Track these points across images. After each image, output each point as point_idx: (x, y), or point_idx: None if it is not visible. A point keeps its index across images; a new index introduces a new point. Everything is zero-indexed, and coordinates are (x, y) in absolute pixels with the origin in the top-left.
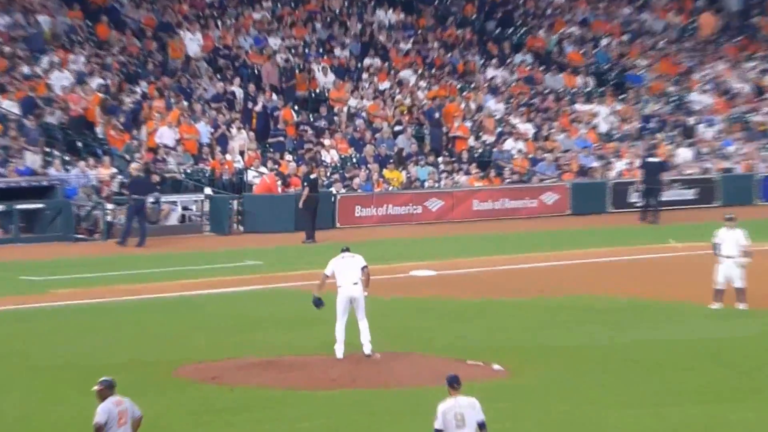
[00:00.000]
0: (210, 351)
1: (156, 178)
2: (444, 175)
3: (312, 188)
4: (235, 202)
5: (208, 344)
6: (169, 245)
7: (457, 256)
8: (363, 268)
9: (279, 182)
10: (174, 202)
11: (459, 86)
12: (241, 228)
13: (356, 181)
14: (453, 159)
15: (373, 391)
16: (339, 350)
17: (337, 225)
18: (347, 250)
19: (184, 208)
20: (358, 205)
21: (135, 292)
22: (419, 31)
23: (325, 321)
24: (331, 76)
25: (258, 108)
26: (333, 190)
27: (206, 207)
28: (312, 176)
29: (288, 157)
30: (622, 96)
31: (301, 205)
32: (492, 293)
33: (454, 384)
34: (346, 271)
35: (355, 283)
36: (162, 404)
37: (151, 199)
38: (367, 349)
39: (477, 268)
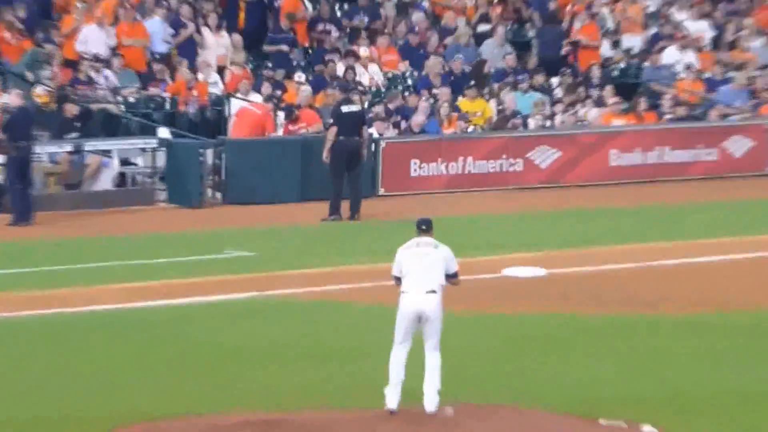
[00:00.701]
0: (170, 401)
1: (74, 110)
2: (561, 107)
3: (346, 128)
4: (209, 153)
5: (168, 390)
6: (100, 224)
7: (580, 244)
8: (451, 277)
9: (281, 117)
10: (107, 153)
11: None
12: (219, 196)
13: (415, 119)
14: (576, 80)
15: None
16: (392, 397)
17: (381, 191)
18: (426, 229)
19: (125, 163)
20: (415, 159)
21: (47, 302)
22: None
23: (364, 351)
24: None
25: None
26: (373, 132)
27: (161, 161)
28: (347, 108)
29: (298, 76)
30: None
31: (325, 156)
32: (638, 306)
33: None
34: (417, 270)
35: (430, 292)
36: None
37: (68, 147)
38: (431, 403)
39: (613, 264)
